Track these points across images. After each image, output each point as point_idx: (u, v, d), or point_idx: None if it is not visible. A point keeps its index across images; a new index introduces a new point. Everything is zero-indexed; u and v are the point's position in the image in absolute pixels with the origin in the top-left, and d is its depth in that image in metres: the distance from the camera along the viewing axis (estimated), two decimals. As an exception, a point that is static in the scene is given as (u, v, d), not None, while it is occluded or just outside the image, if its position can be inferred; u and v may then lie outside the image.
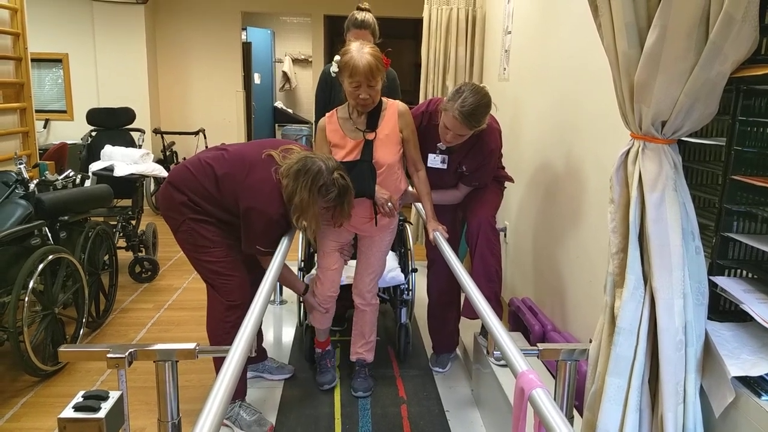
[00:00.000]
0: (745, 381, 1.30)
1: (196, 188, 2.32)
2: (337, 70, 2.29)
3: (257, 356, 2.81)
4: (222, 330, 2.35)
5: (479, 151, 2.54)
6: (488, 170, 2.63)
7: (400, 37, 9.02)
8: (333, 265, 2.58)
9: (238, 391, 2.48)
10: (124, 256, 4.24)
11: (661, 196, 1.39)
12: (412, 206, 3.06)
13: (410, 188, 2.61)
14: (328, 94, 3.03)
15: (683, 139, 1.46)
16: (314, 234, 2.35)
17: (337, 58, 2.30)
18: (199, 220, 2.32)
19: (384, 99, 2.44)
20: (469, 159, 2.57)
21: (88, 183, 3.95)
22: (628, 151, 1.47)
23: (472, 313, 2.66)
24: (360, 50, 2.22)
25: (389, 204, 2.40)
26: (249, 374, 2.79)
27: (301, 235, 3.19)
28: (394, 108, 2.43)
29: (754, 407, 1.25)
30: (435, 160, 2.59)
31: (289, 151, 2.33)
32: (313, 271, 2.96)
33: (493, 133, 2.56)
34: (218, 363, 2.42)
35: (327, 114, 2.48)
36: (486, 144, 2.53)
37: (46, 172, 3.66)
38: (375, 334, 2.75)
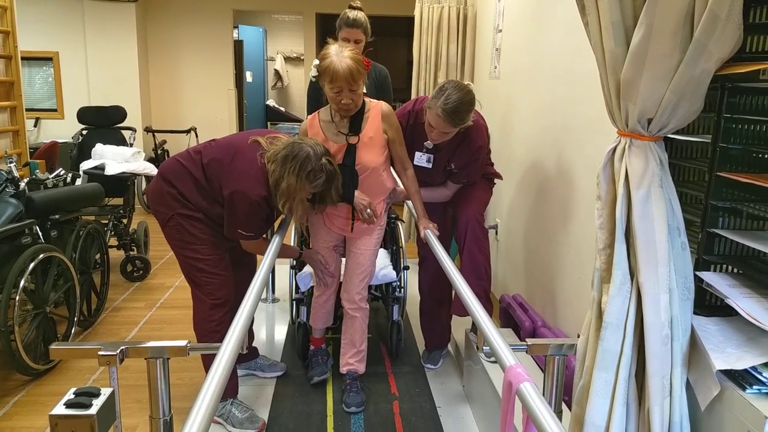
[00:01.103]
0: (730, 374, 1.32)
1: (185, 179, 2.31)
2: (316, 74, 2.23)
3: (248, 354, 2.82)
4: (208, 329, 2.35)
5: (467, 149, 2.55)
6: (476, 167, 2.64)
7: (394, 35, 9.02)
8: (330, 264, 2.64)
9: (230, 389, 2.49)
10: (116, 255, 4.23)
11: (648, 192, 1.40)
12: (404, 204, 3.07)
13: (400, 186, 2.62)
14: (320, 94, 3.03)
15: (669, 136, 1.48)
16: (300, 220, 2.31)
17: (316, 62, 2.24)
18: (188, 216, 2.31)
19: (366, 100, 2.39)
20: (456, 156, 2.58)
21: (79, 182, 3.94)
22: (614, 149, 1.49)
23: (462, 311, 2.67)
24: (339, 54, 2.15)
25: (368, 211, 2.39)
26: (241, 372, 2.80)
27: (293, 232, 3.20)
28: (377, 110, 2.39)
29: (739, 400, 1.27)
30: (421, 159, 2.60)
31: (276, 138, 2.31)
32: (307, 269, 2.97)
33: (480, 129, 2.57)
34: (207, 362, 2.43)
35: (309, 117, 2.45)
36: (473, 141, 2.54)
37: (37, 170, 3.65)
38: (366, 342, 2.65)
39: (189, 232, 2.32)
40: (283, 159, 2.16)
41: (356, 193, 2.37)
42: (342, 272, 2.67)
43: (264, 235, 2.40)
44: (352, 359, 2.64)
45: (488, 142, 2.68)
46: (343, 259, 2.71)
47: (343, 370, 2.66)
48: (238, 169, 2.23)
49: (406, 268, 3.14)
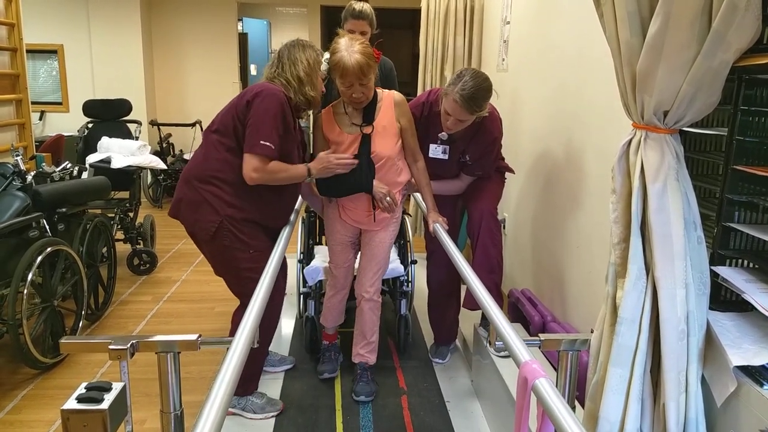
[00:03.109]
0: (747, 370, 1.31)
1: (211, 160, 2.21)
2: (327, 68, 2.25)
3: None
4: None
5: (482, 140, 2.53)
6: (491, 159, 2.62)
7: (398, 27, 8.99)
8: (345, 263, 2.63)
9: (253, 387, 2.48)
10: (123, 249, 4.23)
11: (663, 186, 1.39)
12: (411, 198, 3.04)
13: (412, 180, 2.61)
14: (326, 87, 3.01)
15: (684, 129, 1.46)
16: (317, 98, 2.31)
17: (326, 56, 2.26)
18: (235, 218, 2.20)
19: (378, 90, 2.41)
20: (472, 148, 2.56)
21: (85, 175, 3.94)
22: (629, 141, 1.47)
23: (474, 304, 2.66)
24: (349, 48, 2.16)
25: (388, 199, 2.39)
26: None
27: (300, 226, 3.19)
28: (390, 99, 2.41)
29: (756, 396, 1.26)
30: (436, 151, 2.59)
31: None
32: (314, 263, 2.96)
33: (495, 121, 2.56)
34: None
35: (323, 110, 2.46)
36: (488, 132, 2.52)
37: (43, 164, 3.65)
38: (377, 334, 2.65)
39: (240, 239, 2.21)
40: (283, 59, 2.25)
41: (374, 182, 2.37)
42: (356, 267, 2.69)
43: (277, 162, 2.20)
44: (363, 350, 2.65)
45: (502, 134, 2.66)
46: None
47: (355, 359, 2.68)
48: (254, 86, 2.21)
49: (414, 262, 3.13)
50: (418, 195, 2.71)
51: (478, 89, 2.28)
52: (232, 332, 2.32)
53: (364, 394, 2.60)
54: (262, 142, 2.09)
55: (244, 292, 2.30)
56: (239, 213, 2.21)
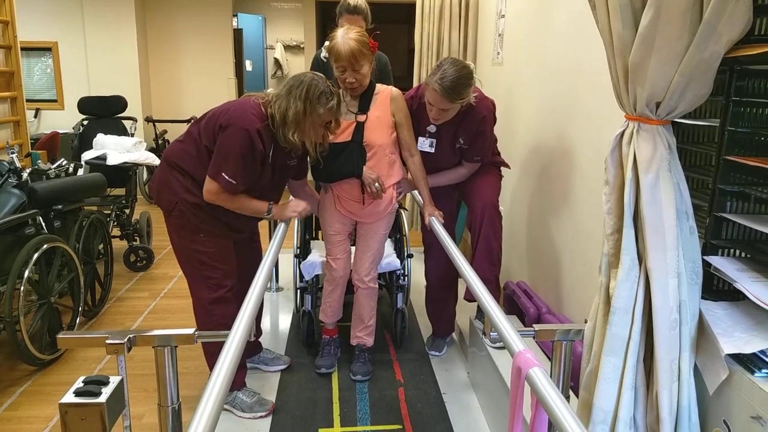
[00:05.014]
0: (739, 358, 1.32)
1: (187, 153, 2.25)
2: (327, 55, 2.38)
3: (252, 348, 2.80)
4: (211, 324, 2.31)
5: (472, 120, 2.52)
6: (486, 139, 2.59)
7: (394, 22, 8.97)
8: (343, 253, 2.68)
9: (237, 382, 2.49)
10: (119, 245, 4.23)
11: (656, 177, 1.40)
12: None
13: (409, 176, 2.63)
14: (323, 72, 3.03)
15: (677, 120, 1.46)
16: (314, 148, 2.26)
17: (326, 43, 2.38)
18: (192, 204, 2.24)
19: (378, 85, 2.51)
20: (463, 130, 2.54)
21: (81, 172, 3.93)
22: (622, 133, 1.48)
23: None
24: (344, 35, 2.29)
25: (376, 184, 2.46)
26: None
27: (296, 222, 3.19)
28: (387, 93, 2.51)
29: (748, 384, 1.27)
30: (424, 144, 2.60)
31: None
32: (311, 258, 2.97)
33: (483, 100, 2.54)
34: (211, 360, 2.41)
35: None
36: (477, 111, 2.51)
37: (39, 161, 3.64)
38: (374, 318, 2.77)
39: (191, 222, 2.27)
40: (287, 90, 2.16)
41: (364, 168, 2.44)
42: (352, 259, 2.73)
43: (244, 193, 2.23)
44: (361, 333, 2.77)
45: (494, 119, 2.64)
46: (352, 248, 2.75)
47: (353, 341, 2.81)
48: (233, 109, 2.18)
49: (410, 256, 3.13)
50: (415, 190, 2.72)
51: (458, 77, 2.29)
52: (199, 327, 2.31)
53: (360, 374, 2.73)
54: (225, 176, 2.13)
55: (191, 274, 2.36)
56: (194, 198, 2.25)
